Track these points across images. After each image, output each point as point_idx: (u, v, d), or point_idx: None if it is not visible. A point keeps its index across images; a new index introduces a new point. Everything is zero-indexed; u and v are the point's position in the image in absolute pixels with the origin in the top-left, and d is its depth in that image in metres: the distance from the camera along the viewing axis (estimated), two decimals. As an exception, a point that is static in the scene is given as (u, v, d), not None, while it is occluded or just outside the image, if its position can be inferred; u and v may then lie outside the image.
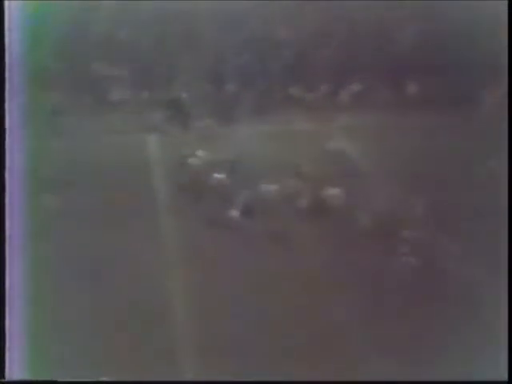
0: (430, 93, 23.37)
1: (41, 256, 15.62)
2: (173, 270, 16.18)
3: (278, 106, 23.30)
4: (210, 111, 22.89)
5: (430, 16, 24.47)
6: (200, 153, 20.40)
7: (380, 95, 23.71)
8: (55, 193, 18.48)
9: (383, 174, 19.83)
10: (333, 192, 18.68)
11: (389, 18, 24.91)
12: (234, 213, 18.01)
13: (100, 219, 17.81)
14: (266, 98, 23.49)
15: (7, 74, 13.02)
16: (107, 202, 18.44)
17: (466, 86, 23.08)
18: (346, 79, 24.17)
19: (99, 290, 15.36)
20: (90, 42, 24.18)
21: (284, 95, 23.86)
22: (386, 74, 24.14)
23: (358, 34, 24.96)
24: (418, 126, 21.60)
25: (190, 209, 18.40)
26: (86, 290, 15.28)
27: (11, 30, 13.52)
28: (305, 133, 21.89)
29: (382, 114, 22.41)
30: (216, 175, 19.43)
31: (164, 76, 24.02)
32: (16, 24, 15.84)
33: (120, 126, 22.28)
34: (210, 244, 16.96)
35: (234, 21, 24.65)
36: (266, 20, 25.01)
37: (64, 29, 23.75)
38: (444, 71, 23.62)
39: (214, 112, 22.85)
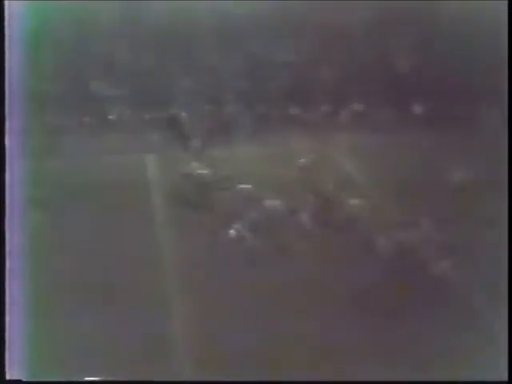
0: (430, 109, 23.67)
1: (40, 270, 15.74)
2: (174, 287, 16.18)
3: (277, 125, 23.51)
4: (209, 131, 23.08)
5: (430, 28, 24.82)
6: (200, 171, 20.54)
7: (380, 114, 23.95)
8: (54, 212, 18.55)
9: (383, 190, 19.94)
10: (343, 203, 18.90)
11: (389, 37, 25.24)
12: (239, 229, 18.06)
13: (99, 237, 17.85)
14: (265, 117, 23.72)
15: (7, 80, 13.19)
16: (106, 221, 18.51)
17: (466, 102, 23.30)
18: (346, 99, 24.41)
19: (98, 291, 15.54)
20: (90, 61, 24.47)
21: (283, 115, 24.07)
22: (386, 93, 24.37)
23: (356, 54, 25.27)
24: (417, 143, 21.78)
25: (192, 226, 18.37)
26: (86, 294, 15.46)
27: (11, 33, 13.67)
28: (303, 151, 22.02)
29: (382, 133, 22.59)
30: (241, 186, 19.60)
31: (163, 96, 24.21)
32: (16, 26, 15.98)
33: (119, 145, 22.47)
34: (213, 261, 16.94)
35: (233, 41, 24.90)
36: (266, 40, 25.25)
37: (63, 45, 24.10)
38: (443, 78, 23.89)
39: (214, 131, 23.05)
